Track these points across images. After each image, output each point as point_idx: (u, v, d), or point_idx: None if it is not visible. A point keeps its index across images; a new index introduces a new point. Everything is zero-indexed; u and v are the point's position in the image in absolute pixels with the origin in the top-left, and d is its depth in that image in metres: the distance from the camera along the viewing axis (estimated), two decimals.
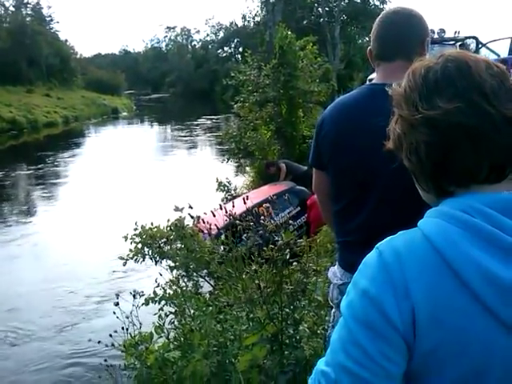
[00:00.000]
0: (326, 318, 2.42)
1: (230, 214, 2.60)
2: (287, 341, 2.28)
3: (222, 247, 3.03)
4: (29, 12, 48.00)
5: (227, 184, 8.67)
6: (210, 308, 2.80)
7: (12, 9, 46.18)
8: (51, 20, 50.13)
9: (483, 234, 0.74)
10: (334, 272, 1.83)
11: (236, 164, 12.04)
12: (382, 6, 33.37)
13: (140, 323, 2.75)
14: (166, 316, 2.96)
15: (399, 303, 0.76)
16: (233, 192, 8.68)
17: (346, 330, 0.80)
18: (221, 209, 2.80)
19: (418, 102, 0.81)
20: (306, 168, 8.43)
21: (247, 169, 11.86)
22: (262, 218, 2.51)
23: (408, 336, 0.76)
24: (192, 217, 3.25)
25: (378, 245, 0.84)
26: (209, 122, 30.59)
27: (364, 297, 0.79)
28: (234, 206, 2.75)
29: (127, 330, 2.68)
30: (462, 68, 0.81)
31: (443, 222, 0.78)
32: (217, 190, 8.51)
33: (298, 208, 7.51)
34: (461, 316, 0.75)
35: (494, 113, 0.77)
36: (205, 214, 3.34)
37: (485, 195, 0.78)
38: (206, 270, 3.73)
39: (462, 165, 0.79)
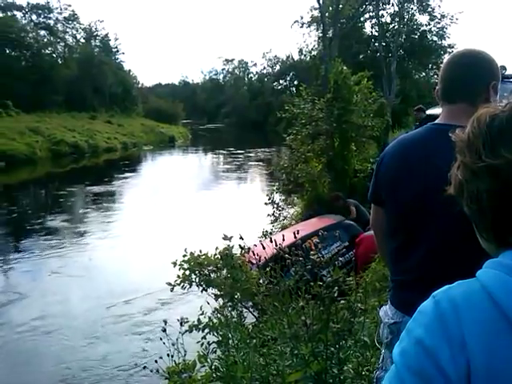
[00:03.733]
0: (372, 360, 2.36)
1: (278, 247, 2.60)
2: (331, 380, 2.23)
3: (266, 279, 3.02)
4: (97, 43, 51.21)
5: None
6: (254, 340, 2.79)
7: (83, 40, 49.42)
8: (117, 51, 53.34)
9: None
10: (386, 311, 1.80)
11: (285, 196, 12.07)
12: (440, 42, 33.07)
13: (185, 351, 2.77)
14: (209, 345, 2.96)
15: (455, 355, 0.73)
16: (279, 214, 9.35)
17: (398, 379, 0.77)
18: (271, 241, 2.82)
19: (482, 150, 0.79)
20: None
21: (296, 200, 11.83)
22: (311, 252, 2.49)
23: None
24: (242, 247, 3.28)
25: (434, 293, 0.81)
26: (261, 153, 30.99)
27: (418, 346, 0.76)
28: (283, 239, 2.75)
29: (172, 356, 2.70)
30: None
31: (503, 275, 0.75)
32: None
33: (347, 243, 7.36)
34: None
35: None
36: (255, 245, 3.37)
37: None
38: (250, 302, 3.73)
39: None
